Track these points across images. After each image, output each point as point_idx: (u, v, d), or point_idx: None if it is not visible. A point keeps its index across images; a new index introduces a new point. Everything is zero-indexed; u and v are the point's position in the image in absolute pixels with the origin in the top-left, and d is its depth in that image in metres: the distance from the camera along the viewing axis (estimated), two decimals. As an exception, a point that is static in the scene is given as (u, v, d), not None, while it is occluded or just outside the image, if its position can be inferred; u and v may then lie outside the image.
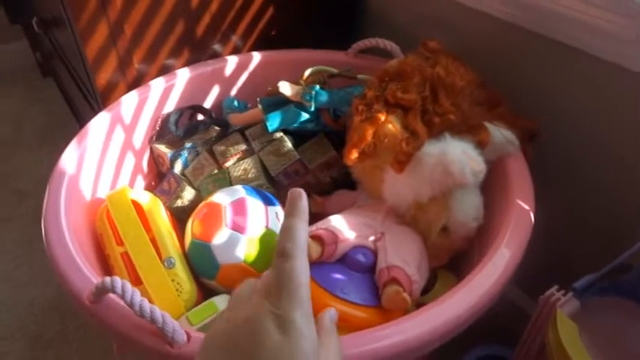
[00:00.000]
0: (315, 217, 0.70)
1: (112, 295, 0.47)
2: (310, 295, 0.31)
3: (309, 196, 0.79)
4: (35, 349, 0.94)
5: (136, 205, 0.64)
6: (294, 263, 0.31)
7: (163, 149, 0.80)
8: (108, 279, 0.46)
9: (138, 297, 0.45)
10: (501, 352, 0.80)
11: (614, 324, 0.58)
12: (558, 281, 0.57)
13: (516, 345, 0.64)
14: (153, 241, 0.61)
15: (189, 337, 0.45)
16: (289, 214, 0.33)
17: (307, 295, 0.31)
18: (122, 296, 0.45)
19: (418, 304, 0.63)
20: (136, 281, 0.60)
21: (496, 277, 0.53)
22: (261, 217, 0.65)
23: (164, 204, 0.75)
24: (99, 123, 0.72)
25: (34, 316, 0.98)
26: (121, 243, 0.61)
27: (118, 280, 0.45)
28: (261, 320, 0.30)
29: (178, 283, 0.60)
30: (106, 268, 0.63)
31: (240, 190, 0.68)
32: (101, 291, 0.47)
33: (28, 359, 0.92)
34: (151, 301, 0.57)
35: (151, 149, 0.82)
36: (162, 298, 0.58)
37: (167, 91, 0.81)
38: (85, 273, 0.51)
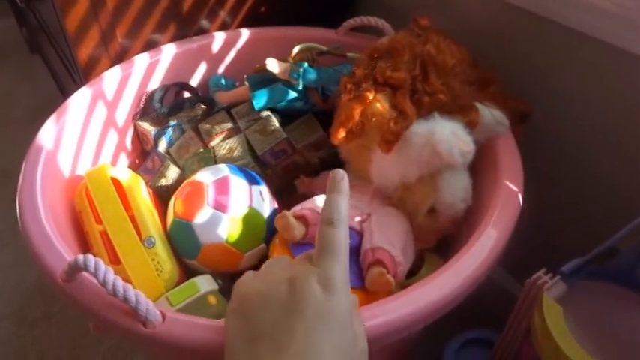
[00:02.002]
0: (302, 197, 0.69)
1: (85, 274, 0.46)
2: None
3: (296, 177, 0.78)
4: (21, 328, 0.93)
5: (116, 183, 0.62)
6: (338, 231, 0.35)
7: (147, 127, 0.78)
8: (81, 257, 0.44)
9: (111, 275, 0.43)
10: (489, 336, 0.80)
11: (600, 308, 0.58)
12: (546, 265, 0.57)
13: (501, 329, 0.63)
14: (132, 219, 0.60)
15: (164, 317, 0.44)
16: (334, 191, 0.38)
17: (346, 261, 0.35)
18: (95, 274, 0.43)
19: (404, 287, 0.63)
20: (115, 260, 0.58)
21: (482, 258, 0.52)
22: (245, 197, 0.64)
23: (147, 183, 0.73)
24: (80, 99, 0.70)
25: (20, 297, 0.97)
26: (99, 221, 0.60)
27: (90, 258, 0.44)
28: (306, 277, 0.33)
29: (158, 263, 0.59)
30: (86, 247, 0.62)
31: (223, 169, 0.67)
32: (74, 269, 0.45)
33: (15, 337, 0.92)
34: (129, 281, 0.56)
35: (135, 127, 0.80)
36: (142, 277, 0.57)
37: (152, 67, 0.79)
38: (59, 251, 0.50)
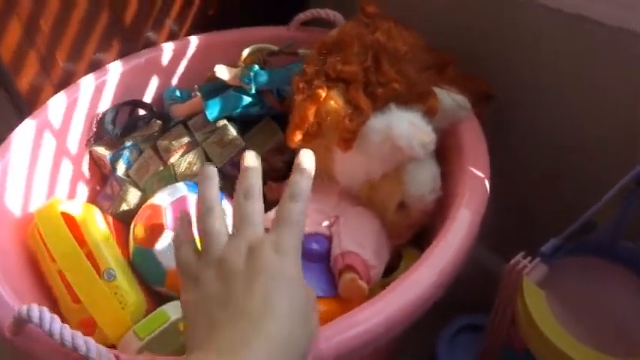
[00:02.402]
0: (271, 204, 0.66)
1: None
2: None
3: (263, 183, 0.75)
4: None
5: (68, 218, 0.59)
6: (295, 205, 0.37)
7: (102, 151, 0.75)
8: (24, 308, 0.42)
9: (57, 325, 0.41)
10: (482, 321, 0.78)
11: (584, 284, 0.57)
12: (532, 244, 0.55)
13: (492, 314, 0.62)
14: (89, 254, 0.57)
15: (118, 360, 0.42)
16: (296, 171, 0.40)
17: (302, 235, 0.37)
18: (40, 325, 0.41)
19: (383, 286, 0.61)
20: (76, 299, 0.56)
21: (455, 248, 0.51)
22: (206, 215, 0.61)
23: (108, 210, 0.70)
24: (23, 132, 0.67)
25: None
26: (55, 260, 0.57)
27: (34, 309, 0.41)
28: (261, 243, 0.35)
29: (122, 296, 0.57)
30: (46, 288, 0.59)
31: (181, 188, 0.64)
32: (19, 321, 0.43)
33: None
34: (91, 320, 0.54)
35: (90, 153, 0.77)
36: (104, 313, 0.54)
37: (99, 88, 0.76)
38: (6, 302, 0.47)
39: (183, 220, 0.42)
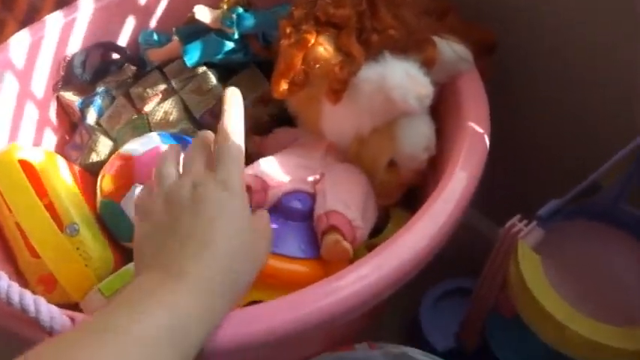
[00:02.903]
0: (254, 157, 0.62)
1: (-22, 281, 0.39)
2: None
3: (246, 136, 0.71)
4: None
5: (27, 166, 0.54)
6: (232, 143, 0.41)
7: (71, 97, 0.69)
8: (-33, 262, 0.37)
9: (4, 282, 0.36)
10: (467, 285, 0.76)
11: (582, 249, 0.54)
12: (524, 208, 0.52)
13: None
14: (49, 206, 0.52)
15: (74, 322, 0.38)
16: (227, 105, 0.44)
17: (241, 168, 0.41)
18: (-17, 282, 0.36)
19: (370, 247, 0.57)
20: (35, 254, 0.51)
21: (453, 204, 0.48)
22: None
23: (76, 160, 0.65)
24: (-19, 71, 0.61)
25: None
26: (11, 210, 0.52)
27: (-22, 264, 0.37)
28: (204, 178, 0.38)
29: (85, 252, 0.52)
30: (4, 241, 0.55)
31: (154, 138, 0.59)
32: (-37, 277, 0.38)
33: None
34: (51, 276, 0.50)
35: (58, 98, 0.71)
36: (65, 270, 0.50)
37: (68, 27, 0.69)
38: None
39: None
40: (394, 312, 0.72)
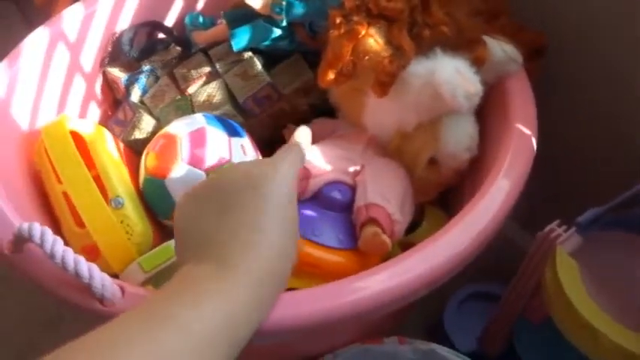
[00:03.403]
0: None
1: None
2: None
3: (283, 125, 0.71)
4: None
5: (77, 138, 0.55)
6: (299, 146, 0.42)
7: (117, 73, 0.70)
8: (25, 225, 0.39)
9: (60, 247, 0.38)
10: (493, 290, 0.76)
11: (618, 260, 0.53)
12: (558, 215, 0.51)
13: (508, 282, 0.58)
14: (97, 178, 0.54)
15: (123, 292, 0.39)
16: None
17: (297, 164, 0.40)
18: (41, 246, 0.37)
19: (403, 244, 0.57)
20: (80, 224, 0.53)
21: (494, 211, 0.46)
22: (224, 150, 0.57)
23: (119, 136, 0.66)
24: (36, 41, 0.62)
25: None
26: (60, 181, 0.54)
27: (36, 227, 0.38)
28: (255, 166, 0.38)
29: (128, 225, 0.53)
30: (50, 210, 0.56)
31: (199, 119, 0.60)
32: (19, 239, 0.39)
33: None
34: (95, 247, 0.51)
35: (104, 73, 0.72)
36: (109, 242, 0.52)
37: (119, 4, 0.70)
38: (6, 217, 0.44)
39: None
40: (418, 311, 0.72)
